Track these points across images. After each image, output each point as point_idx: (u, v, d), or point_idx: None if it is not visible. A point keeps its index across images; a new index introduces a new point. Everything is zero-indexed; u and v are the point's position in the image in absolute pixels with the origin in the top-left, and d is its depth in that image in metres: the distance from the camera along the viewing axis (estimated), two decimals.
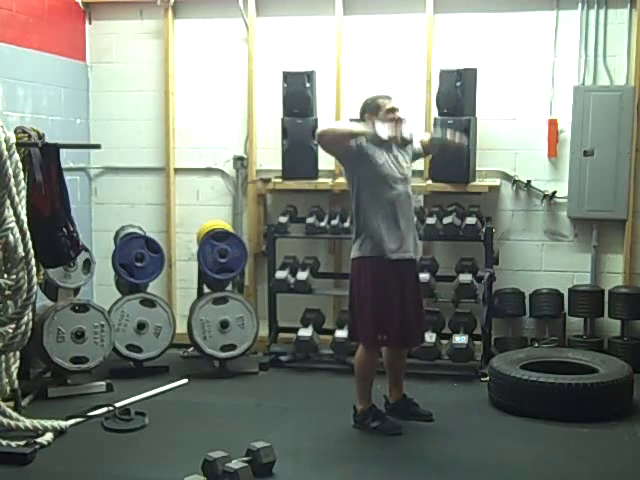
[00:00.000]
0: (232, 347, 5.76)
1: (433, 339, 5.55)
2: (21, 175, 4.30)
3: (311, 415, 4.91)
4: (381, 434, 4.56)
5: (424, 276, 5.44)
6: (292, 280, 5.93)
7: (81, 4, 6.44)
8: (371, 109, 4.58)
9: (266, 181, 6.25)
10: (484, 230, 5.79)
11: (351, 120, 5.95)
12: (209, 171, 6.50)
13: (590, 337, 5.93)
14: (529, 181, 6.06)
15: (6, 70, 5.52)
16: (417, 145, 4.83)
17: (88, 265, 5.54)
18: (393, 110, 4.56)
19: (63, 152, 4.90)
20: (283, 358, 5.97)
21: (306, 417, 4.88)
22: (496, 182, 6.05)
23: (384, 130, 4.46)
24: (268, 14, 6.29)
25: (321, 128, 4.66)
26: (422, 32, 6.04)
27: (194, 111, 6.48)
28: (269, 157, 6.32)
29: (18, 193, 4.23)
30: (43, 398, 5.15)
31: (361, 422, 4.65)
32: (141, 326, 5.72)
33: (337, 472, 4.15)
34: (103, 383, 5.33)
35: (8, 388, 4.59)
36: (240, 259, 5.86)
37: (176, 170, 6.52)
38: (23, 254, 4.22)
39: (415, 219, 4.84)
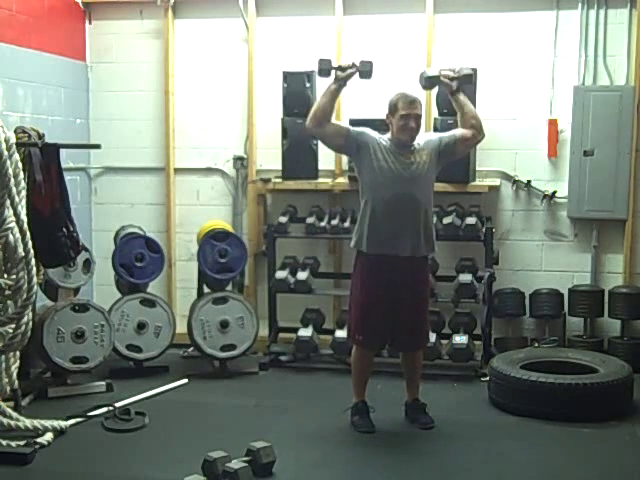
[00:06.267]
0: (232, 347, 5.76)
1: (433, 339, 5.55)
2: (21, 175, 4.30)
3: (311, 415, 4.91)
4: (353, 429, 4.62)
5: None
6: (292, 280, 5.93)
7: (81, 4, 6.44)
8: (390, 108, 4.55)
9: (266, 181, 6.26)
10: (484, 230, 5.79)
11: (351, 121, 6.02)
12: (209, 171, 6.50)
13: (590, 337, 5.94)
14: (529, 181, 6.06)
15: (6, 70, 5.52)
16: (447, 139, 4.63)
17: (88, 265, 5.54)
18: (407, 116, 4.47)
19: (63, 152, 4.89)
20: (283, 358, 5.97)
21: (306, 417, 4.88)
22: (496, 182, 6.05)
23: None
24: (268, 14, 6.29)
25: (306, 121, 4.62)
26: (422, 32, 6.04)
27: (194, 111, 6.49)
28: (269, 157, 6.32)
29: (18, 193, 4.22)
30: (43, 398, 5.14)
31: (350, 416, 4.70)
32: (141, 326, 5.72)
33: (337, 472, 4.16)
34: (103, 383, 5.33)
35: (8, 388, 4.59)
36: (240, 259, 5.86)
37: (176, 170, 6.52)
38: (23, 254, 4.21)
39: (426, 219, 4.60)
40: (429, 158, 4.58)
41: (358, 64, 4.62)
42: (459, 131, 4.70)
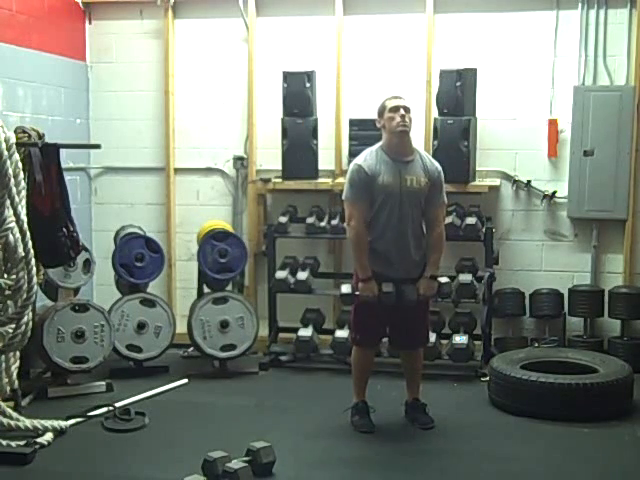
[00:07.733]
0: (232, 347, 5.76)
1: (433, 339, 5.55)
2: (21, 175, 4.30)
3: (311, 415, 4.91)
4: (353, 429, 4.62)
5: None
6: (292, 280, 5.93)
7: (81, 4, 6.44)
8: (378, 112, 4.57)
9: (266, 181, 6.25)
10: (484, 230, 5.79)
11: (351, 121, 6.04)
12: (209, 171, 6.50)
13: (590, 337, 5.94)
14: (529, 181, 6.06)
15: (6, 70, 5.52)
16: (434, 193, 4.58)
17: (88, 265, 5.54)
18: (396, 108, 4.49)
19: (63, 152, 4.89)
20: (283, 358, 5.97)
21: (306, 417, 4.88)
22: (496, 182, 6.05)
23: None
24: (268, 14, 6.29)
25: (353, 235, 4.51)
26: (422, 32, 6.04)
27: (194, 111, 6.49)
28: (269, 157, 6.32)
29: (18, 193, 4.23)
30: (43, 398, 5.14)
31: (350, 416, 4.71)
32: (141, 326, 5.72)
33: (337, 472, 4.15)
34: (103, 383, 5.33)
35: (8, 388, 4.59)
36: (240, 259, 5.86)
37: (176, 170, 6.52)
38: (23, 254, 4.22)
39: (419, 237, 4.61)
40: (425, 181, 4.54)
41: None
42: (435, 212, 4.62)
